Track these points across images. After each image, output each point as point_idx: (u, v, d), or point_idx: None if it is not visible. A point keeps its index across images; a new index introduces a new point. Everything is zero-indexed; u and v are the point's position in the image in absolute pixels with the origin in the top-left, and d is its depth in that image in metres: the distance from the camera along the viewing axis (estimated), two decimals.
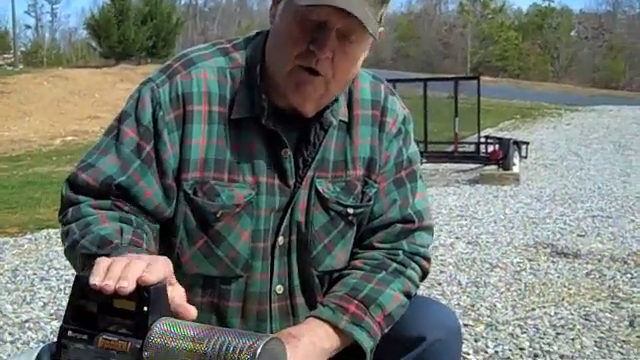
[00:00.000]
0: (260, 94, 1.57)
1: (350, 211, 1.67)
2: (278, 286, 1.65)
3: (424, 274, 1.74)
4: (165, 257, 1.31)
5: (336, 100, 1.63)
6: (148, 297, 1.17)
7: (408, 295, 1.66)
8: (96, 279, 1.18)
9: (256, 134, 1.59)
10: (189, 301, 1.57)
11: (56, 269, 5.18)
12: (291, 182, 1.61)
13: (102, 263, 1.21)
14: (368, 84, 1.73)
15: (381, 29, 1.57)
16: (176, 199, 1.58)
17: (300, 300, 1.67)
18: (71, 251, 1.48)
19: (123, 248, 1.36)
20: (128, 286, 1.16)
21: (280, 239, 1.62)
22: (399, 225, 1.70)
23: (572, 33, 58.39)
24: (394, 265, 1.67)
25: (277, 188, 1.61)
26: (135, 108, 1.58)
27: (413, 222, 1.71)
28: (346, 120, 1.67)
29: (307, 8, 1.46)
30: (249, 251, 1.60)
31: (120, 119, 1.60)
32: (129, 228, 1.46)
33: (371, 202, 1.69)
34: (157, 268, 1.22)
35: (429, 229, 1.76)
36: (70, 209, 1.54)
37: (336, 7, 1.43)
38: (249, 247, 1.60)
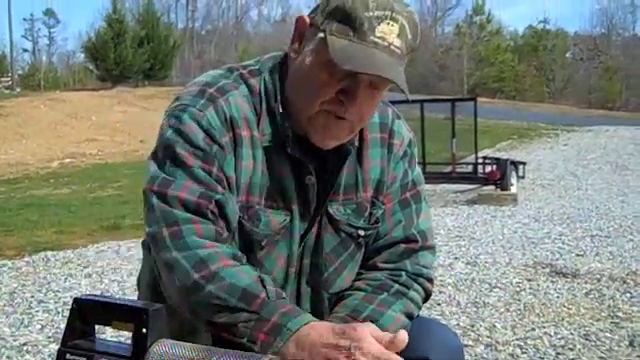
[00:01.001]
0: (284, 122, 1.58)
1: (361, 233, 1.68)
2: None
3: (427, 295, 1.74)
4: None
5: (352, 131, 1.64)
6: (147, 319, 1.16)
7: (410, 316, 1.66)
8: None
9: (283, 161, 1.59)
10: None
11: (54, 292, 5.15)
12: (312, 209, 1.63)
13: None
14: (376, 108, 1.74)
15: None
16: None
17: None
18: (185, 291, 1.44)
19: (273, 303, 1.41)
20: None
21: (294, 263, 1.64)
22: (402, 245, 1.71)
23: (567, 55, 58.62)
24: (396, 286, 1.66)
25: (304, 214, 1.62)
26: (181, 134, 1.53)
27: (417, 242, 1.72)
28: (357, 144, 1.68)
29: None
30: (283, 276, 1.62)
31: (166, 150, 1.54)
32: (266, 277, 1.48)
33: (379, 223, 1.70)
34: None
35: (432, 249, 1.76)
36: (164, 223, 1.48)
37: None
38: (284, 272, 1.62)
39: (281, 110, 1.59)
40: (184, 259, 1.45)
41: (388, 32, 1.46)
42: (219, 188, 1.51)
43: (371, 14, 1.45)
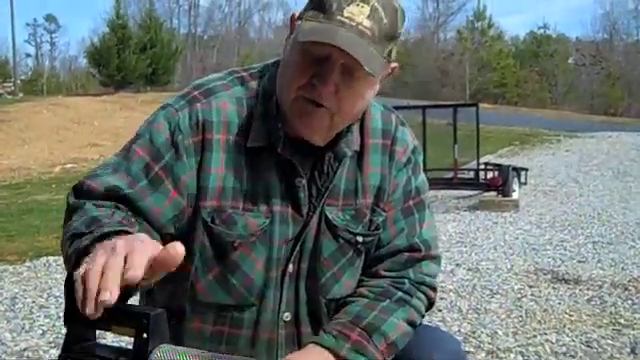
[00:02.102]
0: (277, 123, 1.58)
1: (359, 239, 1.67)
2: (286, 314, 1.65)
3: (430, 304, 1.74)
4: (144, 235, 1.26)
5: (349, 131, 1.63)
6: (147, 323, 1.16)
7: (412, 324, 1.65)
8: (80, 305, 1.11)
9: (271, 163, 1.59)
10: (199, 328, 1.55)
11: (55, 297, 5.15)
12: (304, 211, 1.62)
13: (77, 280, 1.14)
14: (379, 114, 1.74)
15: (395, 64, 1.59)
16: (194, 226, 1.57)
17: (307, 328, 1.67)
18: (64, 240, 1.41)
19: (111, 224, 1.32)
20: (111, 297, 1.08)
21: (290, 267, 1.63)
22: (406, 254, 1.70)
23: (569, 60, 58.63)
24: (399, 294, 1.66)
25: (290, 217, 1.61)
26: (149, 130, 1.58)
27: (420, 251, 1.71)
28: (358, 149, 1.67)
29: (312, 45, 1.47)
30: (263, 279, 1.60)
31: (133, 140, 1.60)
32: (123, 213, 1.44)
33: (379, 230, 1.69)
34: (137, 259, 1.12)
35: (436, 259, 1.76)
36: (73, 214, 1.48)
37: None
38: (263, 275, 1.60)
39: (275, 112, 1.59)
40: (75, 218, 1.43)
41: (357, 13, 1.47)
42: (138, 185, 1.52)
43: None
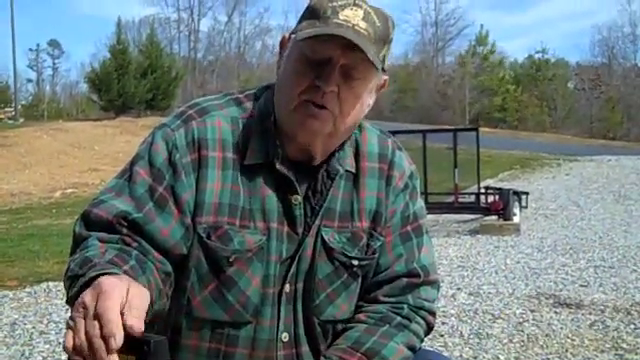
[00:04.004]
0: (274, 140, 1.59)
1: (355, 263, 1.66)
2: (284, 334, 1.64)
3: (429, 328, 1.74)
4: (127, 279, 1.29)
5: (342, 149, 1.64)
6: (149, 350, 1.16)
7: (412, 348, 1.65)
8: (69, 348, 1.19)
9: (268, 180, 1.60)
10: (196, 345, 1.55)
11: (55, 322, 5.13)
12: (299, 230, 1.62)
13: (69, 329, 1.20)
14: (376, 138, 1.75)
15: (385, 77, 1.60)
16: (190, 242, 1.58)
17: (305, 349, 1.66)
18: (65, 280, 1.45)
19: (100, 266, 1.34)
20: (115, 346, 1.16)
21: (287, 286, 1.62)
22: (404, 279, 1.70)
23: (569, 84, 58.83)
24: (398, 319, 1.66)
25: (286, 235, 1.61)
26: (148, 151, 1.59)
27: (419, 276, 1.71)
28: (353, 171, 1.68)
29: (311, 49, 1.49)
30: (259, 297, 1.60)
31: (133, 161, 1.61)
32: (115, 251, 1.44)
33: (376, 255, 1.69)
34: (137, 303, 1.22)
35: (435, 283, 1.76)
36: (79, 247, 1.50)
37: (338, 43, 1.47)
38: (259, 293, 1.60)
39: (273, 130, 1.60)
40: (76, 256, 1.45)
41: (352, 16, 1.50)
42: (146, 207, 1.53)
43: (335, 4, 1.51)
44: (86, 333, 1.18)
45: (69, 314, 1.21)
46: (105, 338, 1.16)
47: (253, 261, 1.58)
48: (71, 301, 1.31)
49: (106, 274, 1.29)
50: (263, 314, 1.61)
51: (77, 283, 1.33)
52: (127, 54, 34.78)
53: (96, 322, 1.17)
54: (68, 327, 1.21)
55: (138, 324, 1.18)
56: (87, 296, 1.22)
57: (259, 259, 1.59)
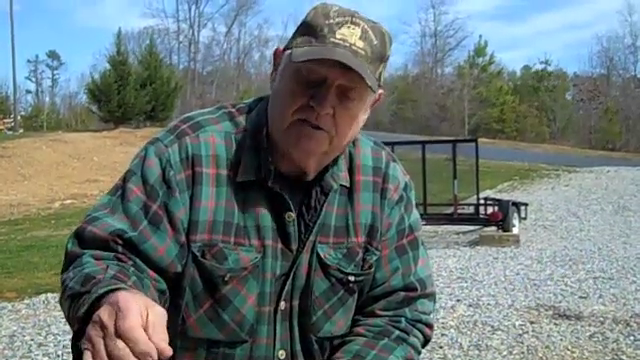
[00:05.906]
0: (267, 157, 1.57)
1: (351, 279, 1.65)
2: (280, 351, 1.63)
3: (426, 341, 1.73)
4: (140, 294, 1.26)
5: (336, 164, 1.63)
6: None
7: None
8: None
9: (261, 197, 1.58)
10: None
11: (54, 334, 5.12)
12: (294, 246, 1.60)
13: (86, 350, 1.16)
14: (370, 150, 1.73)
15: (380, 91, 1.58)
16: (184, 261, 1.56)
17: None
18: (63, 299, 1.40)
19: (105, 282, 1.30)
20: None
21: (282, 304, 1.61)
22: (402, 293, 1.69)
23: (568, 95, 58.95)
24: (397, 332, 1.65)
25: (280, 252, 1.59)
26: (141, 167, 1.56)
27: (415, 290, 1.71)
28: (347, 185, 1.66)
29: (307, 68, 1.47)
30: (254, 315, 1.58)
31: (126, 178, 1.58)
32: (116, 267, 1.41)
33: (372, 269, 1.68)
34: (159, 321, 1.20)
35: (431, 296, 1.75)
36: (72, 264, 1.47)
37: (335, 63, 1.44)
38: (255, 311, 1.58)
39: (265, 145, 1.58)
40: (72, 273, 1.41)
41: (349, 34, 1.48)
42: (141, 225, 1.51)
43: (332, 21, 1.48)
44: (109, 354, 1.13)
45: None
46: (141, 356, 1.13)
47: (248, 279, 1.57)
48: (76, 321, 1.27)
49: (117, 289, 1.26)
50: (259, 332, 1.59)
51: (82, 301, 1.29)
52: (127, 65, 34.84)
53: (119, 342, 1.13)
54: (85, 349, 1.16)
55: (167, 346, 1.17)
56: (104, 314, 1.17)
57: (254, 277, 1.57)
